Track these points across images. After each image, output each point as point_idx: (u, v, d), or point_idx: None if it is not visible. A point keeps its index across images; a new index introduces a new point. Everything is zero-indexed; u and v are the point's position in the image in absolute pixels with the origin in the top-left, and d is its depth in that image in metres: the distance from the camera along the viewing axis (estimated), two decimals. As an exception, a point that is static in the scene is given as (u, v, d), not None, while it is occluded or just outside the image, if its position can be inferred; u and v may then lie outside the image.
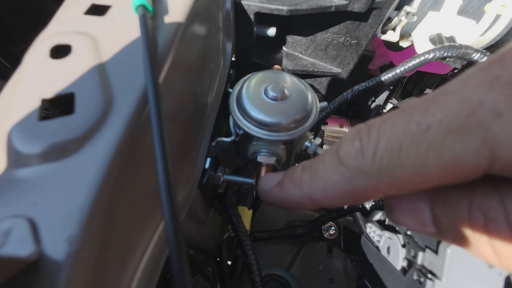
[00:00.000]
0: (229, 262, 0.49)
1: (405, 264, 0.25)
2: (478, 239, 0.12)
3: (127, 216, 0.15)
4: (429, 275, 0.21)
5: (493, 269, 0.20)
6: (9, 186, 0.14)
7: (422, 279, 0.22)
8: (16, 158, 0.14)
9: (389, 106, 0.97)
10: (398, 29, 0.42)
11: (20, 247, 0.11)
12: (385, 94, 0.97)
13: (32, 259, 0.11)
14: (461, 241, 0.12)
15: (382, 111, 0.99)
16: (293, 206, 0.17)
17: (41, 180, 0.14)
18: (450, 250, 0.20)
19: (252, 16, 0.34)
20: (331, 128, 0.70)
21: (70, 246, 0.11)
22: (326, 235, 0.58)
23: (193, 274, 0.39)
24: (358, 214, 0.56)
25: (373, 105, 0.94)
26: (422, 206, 0.13)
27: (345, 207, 0.49)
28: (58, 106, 0.16)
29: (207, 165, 0.26)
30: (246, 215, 0.43)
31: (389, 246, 0.28)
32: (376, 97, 0.94)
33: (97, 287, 0.12)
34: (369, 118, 0.75)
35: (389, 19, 0.40)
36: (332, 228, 0.58)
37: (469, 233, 0.12)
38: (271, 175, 0.19)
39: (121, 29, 0.20)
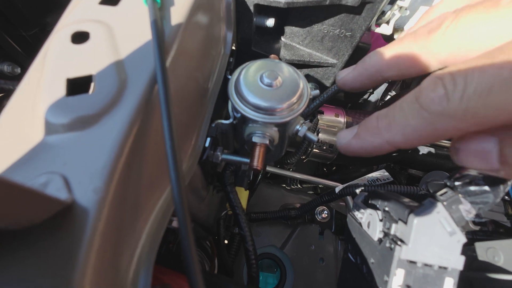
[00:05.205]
0: (226, 242, 0.52)
1: (381, 235, 0.28)
2: None
3: (139, 178, 0.18)
4: (399, 242, 0.24)
5: (453, 236, 0.23)
6: (42, 149, 0.17)
7: (392, 246, 0.25)
8: (47, 127, 0.17)
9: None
10: (392, 23, 0.44)
11: (57, 194, 0.14)
12: (383, 87, 0.99)
13: (68, 202, 0.14)
14: None
15: (380, 103, 1.00)
16: (372, 152, 0.20)
17: (69, 146, 0.16)
18: (416, 220, 0.23)
19: (251, 7, 0.36)
20: (328, 118, 0.72)
21: (96, 195, 0.14)
22: (318, 218, 0.61)
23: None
24: (349, 198, 0.59)
25: (371, 98, 0.96)
26: (490, 147, 0.15)
27: (337, 191, 0.52)
28: (81, 85, 0.19)
29: (207, 144, 0.28)
30: (242, 195, 0.46)
31: (369, 221, 0.31)
32: (374, 90, 0.96)
33: (117, 228, 0.15)
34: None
35: (383, 13, 0.42)
36: (325, 212, 0.62)
37: None
38: (346, 131, 0.22)
39: (132, 18, 0.22)
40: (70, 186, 0.15)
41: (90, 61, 0.19)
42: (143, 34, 0.21)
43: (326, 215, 0.61)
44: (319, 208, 0.61)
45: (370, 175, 0.54)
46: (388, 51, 0.22)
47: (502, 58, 0.13)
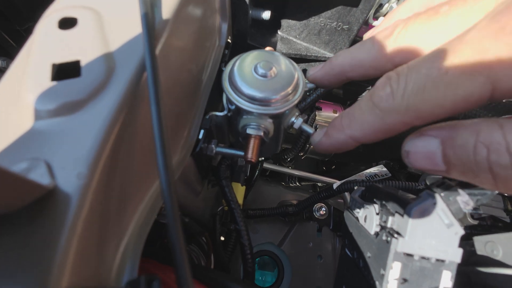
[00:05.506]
0: (222, 238, 0.51)
1: (378, 229, 0.28)
2: (481, 170, 0.14)
3: (127, 166, 0.18)
4: (396, 235, 0.24)
5: (450, 228, 0.22)
6: (26, 135, 0.16)
7: (389, 239, 0.24)
8: (32, 113, 0.17)
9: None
10: (390, 16, 0.43)
11: (39, 179, 0.14)
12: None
13: (50, 187, 0.13)
14: (467, 174, 0.15)
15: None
16: (339, 148, 0.22)
17: (53, 131, 0.16)
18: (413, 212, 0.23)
19: (247, -1, 0.35)
20: (326, 114, 0.71)
21: (79, 181, 0.14)
22: (316, 215, 0.61)
23: (188, 243, 0.41)
24: (347, 194, 0.59)
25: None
26: (434, 148, 0.16)
27: (334, 187, 0.51)
28: (67, 70, 0.18)
29: (200, 136, 0.28)
30: (239, 191, 0.46)
31: (366, 215, 0.31)
32: (373, 86, 0.95)
33: (102, 216, 0.15)
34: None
35: (381, 6, 0.41)
36: (323, 209, 0.61)
37: (473, 166, 0.15)
38: (318, 131, 0.25)
39: (122, 5, 0.22)
40: (53, 171, 0.14)
41: (77, 46, 0.19)
42: (133, 21, 0.21)
43: (324, 212, 0.61)
44: (317, 205, 0.61)
45: (368, 170, 0.53)
46: (351, 53, 0.24)
47: (433, 60, 0.15)
